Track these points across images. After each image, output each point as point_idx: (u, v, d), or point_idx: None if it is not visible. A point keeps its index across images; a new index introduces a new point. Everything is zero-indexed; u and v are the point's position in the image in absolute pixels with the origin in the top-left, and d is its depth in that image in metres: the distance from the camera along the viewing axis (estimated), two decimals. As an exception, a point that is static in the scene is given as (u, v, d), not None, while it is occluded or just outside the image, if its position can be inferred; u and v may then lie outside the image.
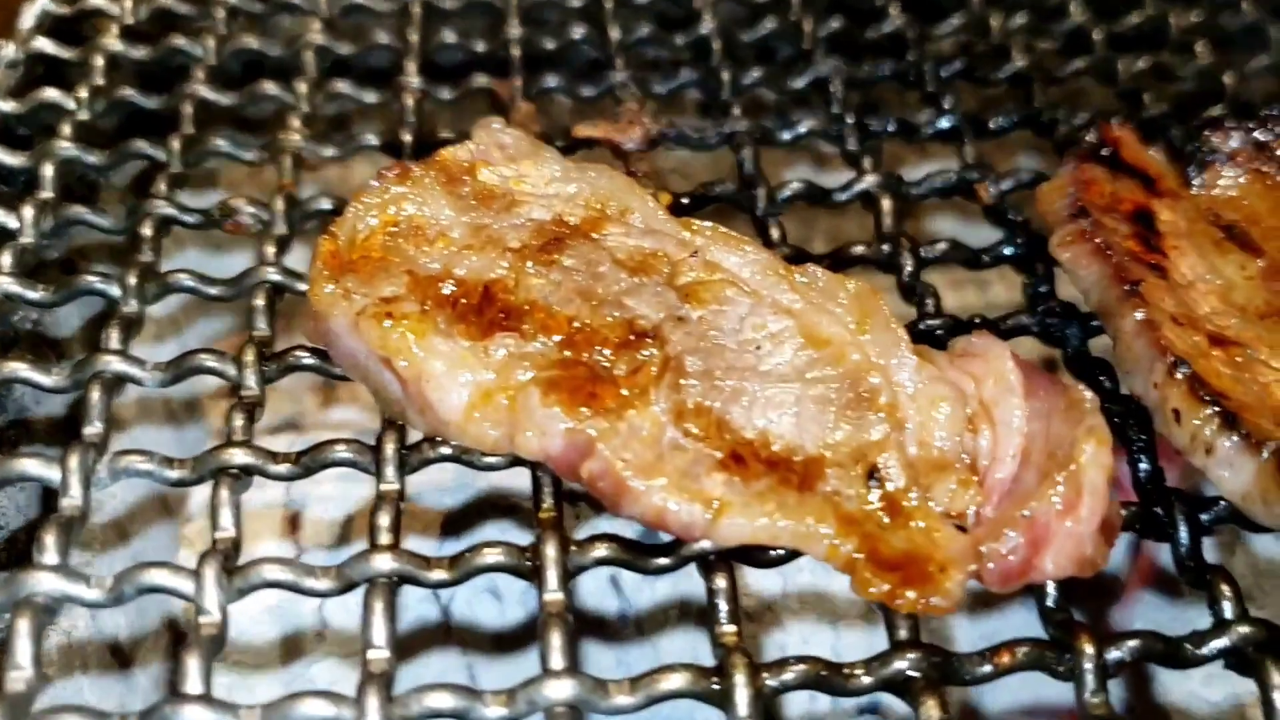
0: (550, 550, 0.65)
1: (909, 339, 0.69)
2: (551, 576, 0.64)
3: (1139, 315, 0.71)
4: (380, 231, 0.73)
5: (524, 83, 0.99)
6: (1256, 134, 0.86)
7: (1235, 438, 0.65)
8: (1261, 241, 0.81)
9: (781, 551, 0.65)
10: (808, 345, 0.69)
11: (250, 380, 0.75)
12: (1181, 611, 1.00)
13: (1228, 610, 0.64)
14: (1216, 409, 0.66)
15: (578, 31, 1.06)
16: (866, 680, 0.60)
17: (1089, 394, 0.63)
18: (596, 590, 0.98)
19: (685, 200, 0.89)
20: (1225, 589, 0.65)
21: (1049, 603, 0.64)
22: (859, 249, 0.85)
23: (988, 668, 0.61)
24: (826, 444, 0.66)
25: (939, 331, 0.78)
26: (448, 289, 0.70)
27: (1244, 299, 0.77)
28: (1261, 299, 0.77)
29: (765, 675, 0.60)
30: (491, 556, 0.65)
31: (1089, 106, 1.02)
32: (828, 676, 0.60)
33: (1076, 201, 0.79)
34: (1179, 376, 0.68)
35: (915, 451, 0.66)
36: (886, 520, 0.63)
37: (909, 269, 0.83)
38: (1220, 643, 0.63)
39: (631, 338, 0.68)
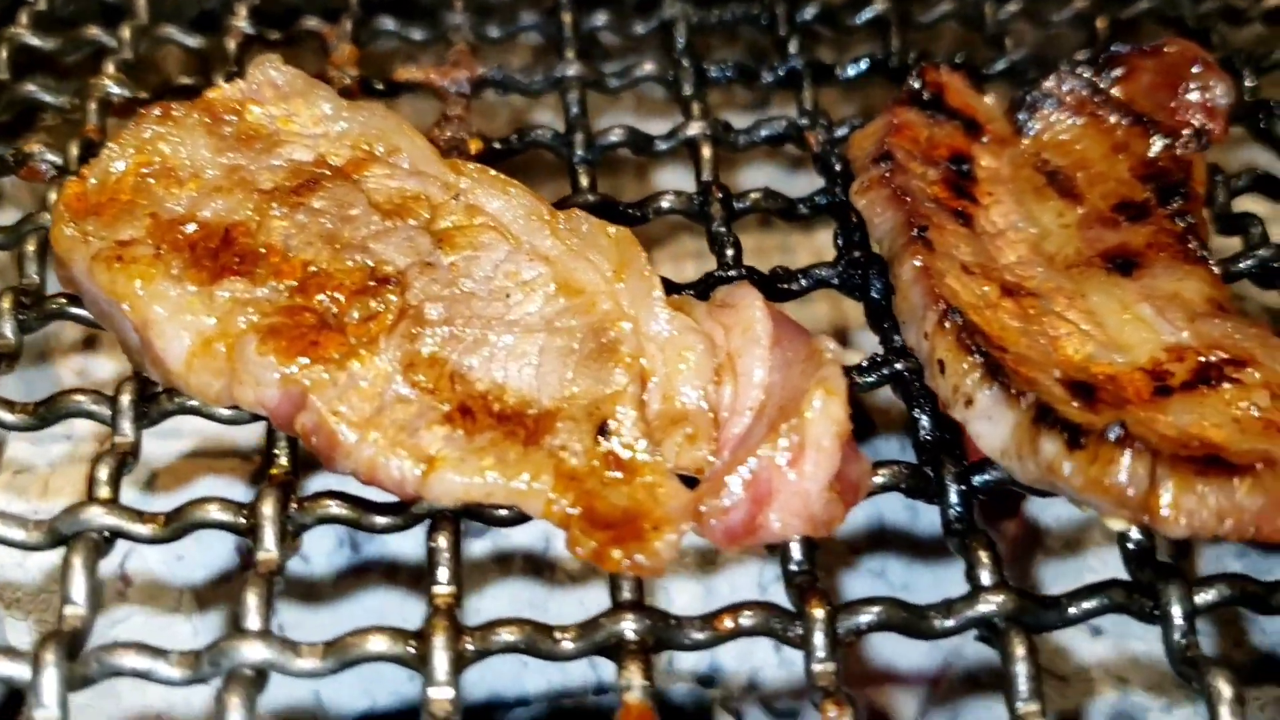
0: (267, 508, 0.61)
1: (663, 288, 0.65)
2: (268, 535, 0.61)
3: (916, 262, 0.67)
4: (132, 173, 0.70)
5: (355, 26, 0.95)
6: (1092, 77, 0.81)
7: (994, 388, 0.60)
8: (1085, 188, 0.76)
9: (508, 511, 0.61)
10: (560, 293, 0.65)
11: (6, 329, 0.72)
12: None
13: (985, 578, 0.60)
14: (981, 359, 0.61)
15: (420, -26, 1.01)
16: (573, 645, 0.57)
17: (831, 345, 0.59)
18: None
19: (498, 146, 0.85)
20: (983, 556, 0.60)
21: (792, 565, 0.60)
22: (668, 199, 0.80)
23: (707, 633, 0.57)
24: (564, 397, 0.62)
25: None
26: (189, 232, 0.67)
27: (1055, 248, 0.73)
28: (1073, 248, 0.73)
29: (467, 639, 0.57)
30: (210, 512, 0.62)
31: (953, 52, 0.97)
32: (535, 640, 0.57)
33: (882, 146, 0.75)
34: (947, 326, 0.63)
35: (658, 405, 0.62)
36: (615, 475, 0.59)
37: (718, 219, 0.79)
38: (970, 612, 0.59)
39: (371, 284, 0.65)
